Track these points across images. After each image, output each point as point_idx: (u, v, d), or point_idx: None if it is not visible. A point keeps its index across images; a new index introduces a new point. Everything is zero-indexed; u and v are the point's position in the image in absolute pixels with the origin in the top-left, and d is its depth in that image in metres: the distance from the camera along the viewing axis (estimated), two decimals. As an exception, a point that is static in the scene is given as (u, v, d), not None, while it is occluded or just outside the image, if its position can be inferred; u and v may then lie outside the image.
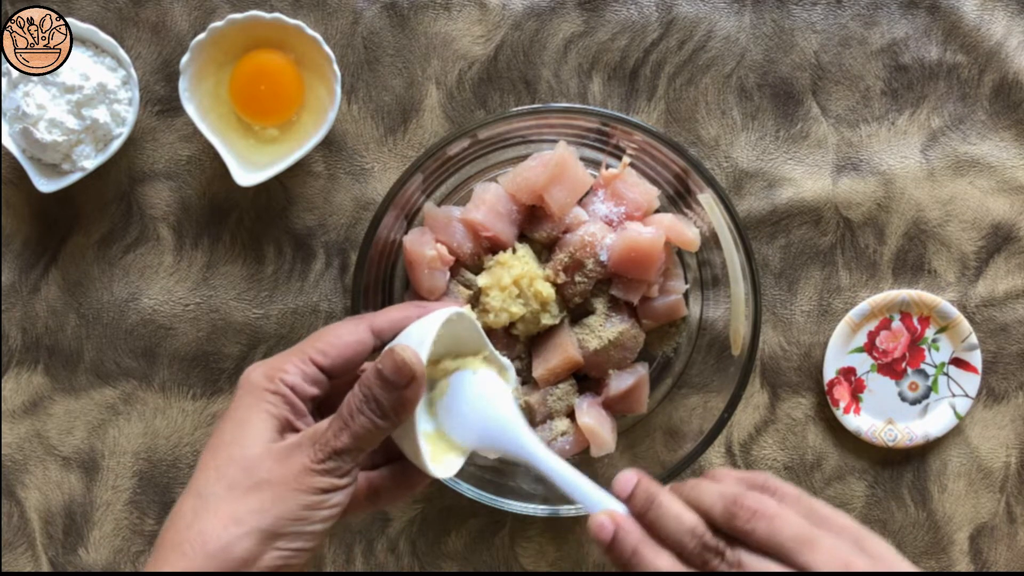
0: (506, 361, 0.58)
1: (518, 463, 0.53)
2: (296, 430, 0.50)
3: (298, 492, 0.47)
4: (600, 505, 0.49)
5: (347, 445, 0.48)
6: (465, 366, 0.55)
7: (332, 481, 0.48)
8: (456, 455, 0.54)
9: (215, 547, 0.45)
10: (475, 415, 0.54)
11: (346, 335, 0.52)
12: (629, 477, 0.49)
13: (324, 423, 0.49)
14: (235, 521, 0.46)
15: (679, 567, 0.45)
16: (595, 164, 0.70)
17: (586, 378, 0.71)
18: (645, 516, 0.47)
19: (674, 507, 0.47)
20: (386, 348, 0.52)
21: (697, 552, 0.45)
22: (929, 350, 0.75)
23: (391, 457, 0.54)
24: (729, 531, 0.45)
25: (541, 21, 0.74)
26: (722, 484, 0.47)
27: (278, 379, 0.50)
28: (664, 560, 0.45)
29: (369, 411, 0.48)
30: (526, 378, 0.70)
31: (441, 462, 0.53)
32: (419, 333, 0.51)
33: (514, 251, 0.68)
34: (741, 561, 0.44)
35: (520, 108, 0.69)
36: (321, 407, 0.53)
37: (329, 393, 0.53)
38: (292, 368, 0.50)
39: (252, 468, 0.47)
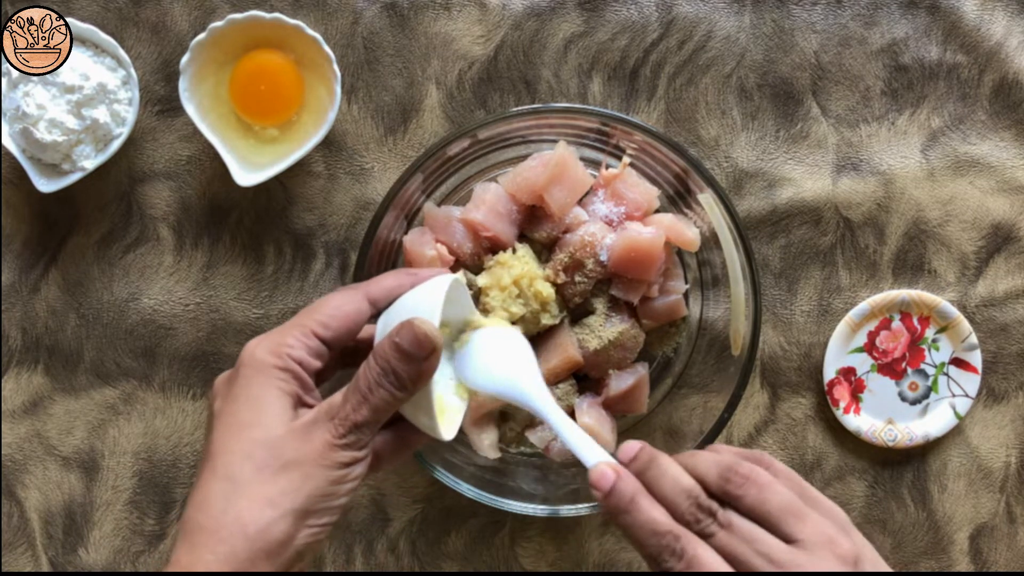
0: (484, 320, 0.59)
1: (528, 411, 0.55)
2: (306, 404, 0.50)
3: (324, 468, 0.47)
4: (600, 460, 0.51)
5: (367, 418, 0.48)
6: (494, 324, 0.58)
7: (353, 454, 0.48)
8: (453, 417, 0.55)
9: (254, 530, 0.46)
10: (496, 364, 0.55)
11: (344, 305, 0.53)
12: (632, 444, 0.50)
13: (338, 397, 0.49)
14: (270, 504, 0.46)
15: (672, 521, 0.47)
16: (595, 164, 0.70)
17: (586, 378, 0.71)
18: (643, 475, 0.49)
19: (672, 469, 0.49)
20: (384, 317, 0.53)
21: (691, 512, 0.47)
22: (929, 350, 0.75)
23: (388, 421, 0.55)
24: (722, 496, 0.48)
25: (541, 21, 0.74)
26: (719, 455, 0.50)
27: (285, 355, 0.50)
28: (659, 512, 0.47)
29: (388, 384, 0.49)
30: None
31: (445, 425, 0.54)
32: (426, 303, 0.51)
33: (514, 251, 0.68)
34: (731, 521, 0.47)
35: (520, 108, 0.69)
36: (316, 375, 0.53)
37: (327, 363, 0.53)
38: (296, 342, 0.50)
39: (278, 449, 0.47)
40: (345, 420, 0.48)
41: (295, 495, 0.47)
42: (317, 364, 0.51)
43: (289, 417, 0.49)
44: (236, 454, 0.48)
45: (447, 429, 0.53)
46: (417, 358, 0.48)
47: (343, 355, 0.56)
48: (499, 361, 0.56)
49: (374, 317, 0.55)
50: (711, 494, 0.48)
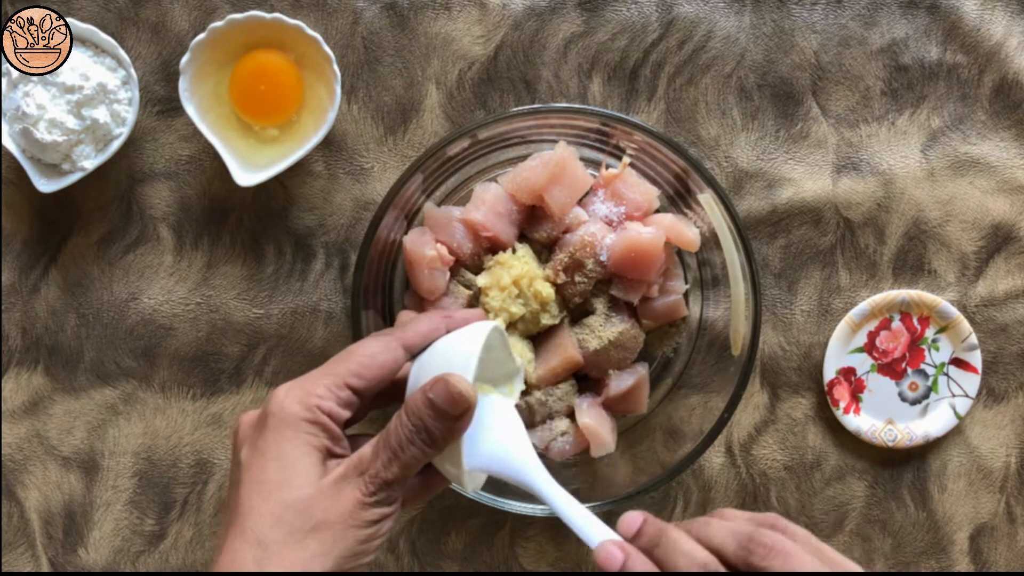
0: (520, 360, 0.58)
1: (523, 489, 0.53)
2: (336, 455, 0.49)
3: (354, 528, 0.47)
4: (605, 538, 0.49)
5: (397, 476, 0.48)
6: (485, 392, 0.55)
7: (383, 511, 0.48)
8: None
9: None
10: (490, 439, 0.53)
11: (380, 355, 0.51)
12: (634, 516, 0.49)
13: (368, 450, 0.48)
14: (301, 568, 0.46)
15: None
16: (595, 164, 0.70)
17: (586, 378, 0.71)
18: (654, 552, 0.47)
19: (685, 543, 0.46)
20: (418, 362, 0.52)
21: None
22: (929, 350, 0.75)
23: None
24: (744, 568, 0.45)
25: (541, 21, 0.74)
26: (732, 523, 0.48)
27: (315, 407, 0.49)
28: None
29: (420, 441, 0.48)
30: (526, 378, 0.70)
31: (471, 475, 0.53)
32: (462, 354, 0.50)
33: (514, 251, 0.68)
34: None
35: (520, 108, 0.69)
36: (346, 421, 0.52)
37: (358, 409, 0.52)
38: (326, 393, 0.49)
39: (307, 511, 0.47)
40: (375, 477, 0.48)
41: (325, 558, 0.46)
42: (347, 414, 0.50)
43: (318, 474, 0.48)
44: (266, 516, 0.47)
45: (473, 482, 0.52)
46: (451, 416, 0.48)
47: (379, 399, 0.55)
48: (489, 437, 0.53)
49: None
50: (727, 564, 0.46)
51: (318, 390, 0.49)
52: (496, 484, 0.67)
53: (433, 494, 0.54)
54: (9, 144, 0.69)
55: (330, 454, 0.49)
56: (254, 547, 0.46)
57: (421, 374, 0.50)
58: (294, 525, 0.46)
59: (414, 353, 0.53)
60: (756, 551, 0.45)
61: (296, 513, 0.47)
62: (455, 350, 0.51)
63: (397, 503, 0.49)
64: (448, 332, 0.54)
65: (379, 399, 0.55)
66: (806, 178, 0.75)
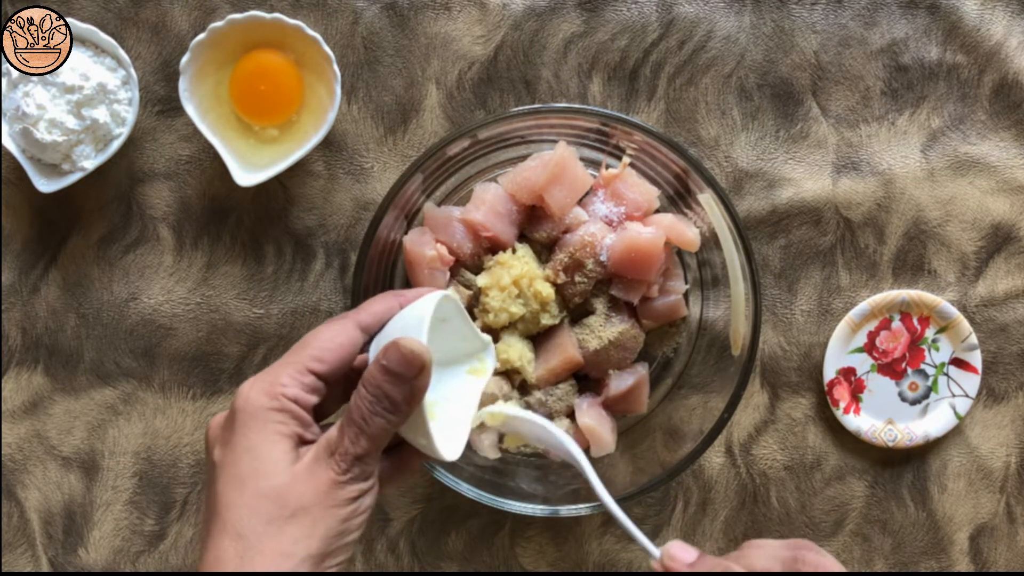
0: (486, 338, 0.58)
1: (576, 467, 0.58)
2: (308, 441, 0.49)
3: (333, 508, 0.47)
4: (666, 545, 0.52)
5: (367, 449, 0.48)
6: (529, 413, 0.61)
7: (359, 487, 0.48)
8: (455, 435, 0.55)
9: None
10: (551, 426, 0.59)
11: (337, 337, 0.51)
12: (679, 544, 0.51)
13: (334, 431, 0.48)
14: (284, 556, 0.46)
15: None
16: (595, 164, 0.70)
17: (586, 378, 0.71)
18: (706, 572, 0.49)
19: (734, 568, 0.48)
20: (376, 341, 0.52)
21: None
22: (929, 350, 0.75)
23: (388, 445, 0.54)
24: None
25: (541, 21, 0.74)
26: (770, 549, 0.49)
27: (280, 395, 0.49)
28: None
29: (382, 410, 0.48)
30: (525, 378, 0.70)
31: (447, 444, 0.53)
32: (414, 321, 0.51)
33: (514, 251, 0.68)
34: None
35: (520, 108, 0.69)
36: (315, 410, 0.52)
37: (327, 397, 0.52)
38: (290, 380, 0.49)
39: (284, 497, 0.47)
40: (345, 455, 0.48)
41: (308, 541, 0.46)
42: (314, 399, 0.50)
43: (290, 460, 0.48)
44: (243, 508, 0.47)
45: (449, 449, 0.52)
46: (407, 378, 0.48)
47: (346, 388, 0.55)
48: (552, 426, 0.58)
49: (368, 344, 0.54)
50: None
51: (281, 379, 0.49)
52: (496, 484, 0.68)
53: (411, 474, 0.54)
54: (9, 144, 0.69)
55: (302, 440, 0.49)
56: (234, 540, 0.46)
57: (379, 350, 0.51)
58: (271, 513, 0.46)
59: (371, 333, 0.53)
60: (803, 569, 0.46)
61: (272, 501, 0.47)
62: (407, 319, 0.51)
63: (373, 478, 0.49)
64: (402, 309, 0.54)
65: (350, 389, 0.54)
66: (806, 178, 0.75)
